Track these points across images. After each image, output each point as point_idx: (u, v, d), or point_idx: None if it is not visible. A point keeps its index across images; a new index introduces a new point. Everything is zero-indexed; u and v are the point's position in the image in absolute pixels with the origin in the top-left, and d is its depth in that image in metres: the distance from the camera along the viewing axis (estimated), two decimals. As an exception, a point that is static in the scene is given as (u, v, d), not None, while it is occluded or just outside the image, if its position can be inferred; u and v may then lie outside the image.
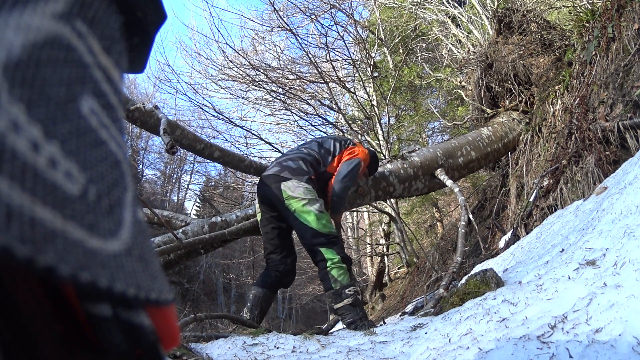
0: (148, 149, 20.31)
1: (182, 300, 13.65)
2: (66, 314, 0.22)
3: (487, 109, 4.39)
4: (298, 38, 5.86)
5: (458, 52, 6.51)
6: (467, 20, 6.21)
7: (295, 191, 1.97)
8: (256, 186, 2.32)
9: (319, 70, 5.55)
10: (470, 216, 3.01)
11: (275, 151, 6.31)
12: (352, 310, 1.86)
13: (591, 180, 2.42)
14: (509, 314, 1.05)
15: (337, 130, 6.60)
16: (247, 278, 15.37)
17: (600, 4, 3.12)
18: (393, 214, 5.95)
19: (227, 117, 6.67)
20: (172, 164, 20.17)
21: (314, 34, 7.40)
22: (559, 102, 3.40)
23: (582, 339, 0.78)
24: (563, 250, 1.38)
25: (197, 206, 17.55)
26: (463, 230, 2.51)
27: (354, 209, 7.72)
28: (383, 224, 7.62)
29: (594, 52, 2.85)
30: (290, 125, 7.89)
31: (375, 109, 6.24)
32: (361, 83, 6.50)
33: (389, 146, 6.00)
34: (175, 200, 20.47)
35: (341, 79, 6.32)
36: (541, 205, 2.84)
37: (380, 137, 5.96)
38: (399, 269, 7.64)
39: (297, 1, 6.82)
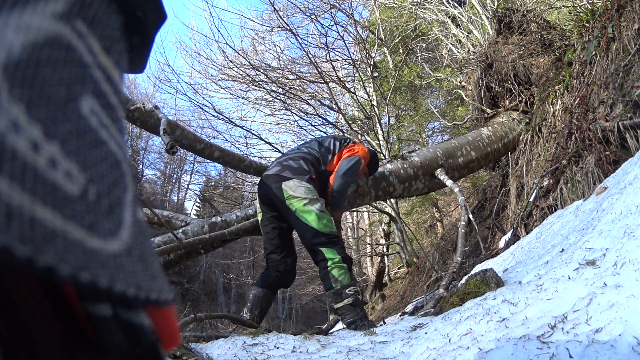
0: (148, 149, 20.32)
1: (182, 300, 13.65)
2: (66, 314, 0.22)
3: (487, 109, 4.39)
4: (298, 38, 5.86)
5: (458, 52, 6.51)
6: (467, 20, 6.21)
7: (296, 191, 1.97)
8: (256, 186, 2.32)
9: (319, 70, 5.55)
10: (470, 216, 3.01)
11: (275, 151, 6.32)
12: (352, 310, 1.86)
13: (591, 180, 2.42)
14: (509, 314, 1.05)
15: (337, 130, 6.60)
16: (247, 278, 15.37)
17: (600, 4, 3.12)
18: (393, 214, 5.95)
19: (227, 117, 6.67)
20: (172, 164, 20.18)
21: (314, 34, 7.41)
22: (559, 102, 3.40)
23: (582, 339, 0.78)
24: (563, 250, 1.38)
25: (197, 206, 17.56)
26: (463, 230, 2.51)
27: (354, 209, 7.72)
28: (383, 224, 7.62)
29: (594, 52, 2.85)
30: (290, 125, 7.90)
31: (375, 109, 6.24)
32: (361, 83, 6.50)
33: (389, 146, 6.00)
34: (175, 200, 20.48)
35: (341, 79, 6.32)
36: (541, 205, 2.84)
37: (380, 137, 5.96)
38: (399, 269, 7.64)
39: (297, 1, 6.83)
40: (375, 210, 6.79)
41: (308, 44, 6.91)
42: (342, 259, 1.91)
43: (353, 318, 1.85)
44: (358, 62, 6.96)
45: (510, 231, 3.10)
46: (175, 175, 20.98)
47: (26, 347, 0.20)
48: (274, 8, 5.57)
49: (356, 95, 6.44)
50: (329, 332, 2.07)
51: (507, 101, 4.28)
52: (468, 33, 6.36)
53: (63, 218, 0.18)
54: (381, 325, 1.82)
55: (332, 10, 6.37)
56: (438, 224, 8.24)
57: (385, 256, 7.32)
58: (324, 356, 1.22)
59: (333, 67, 5.87)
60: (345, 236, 10.36)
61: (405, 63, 7.02)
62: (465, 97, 5.74)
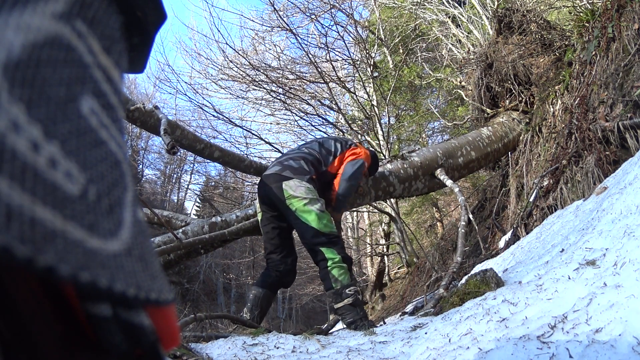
0: (148, 149, 20.33)
1: (182, 300, 13.65)
2: (66, 314, 0.22)
3: (487, 109, 4.39)
4: (298, 38, 5.86)
5: (458, 52, 6.51)
6: (467, 20, 6.21)
7: (296, 191, 1.97)
8: (256, 186, 2.32)
9: (319, 70, 5.55)
10: (470, 216, 3.01)
11: (275, 151, 6.32)
12: (352, 310, 1.86)
13: (591, 180, 2.42)
14: (509, 314, 1.05)
15: (337, 130, 6.60)
16: (247, 278, 15.37)
17: (600, 4, 3.12)
18: (393, 214, 5.95)
19: (227, 117, 6.68)
20: (172, 164, 20.19)
21: (314, 34, 7.41)
22: (559, 102, 3.40)
23: (582, 339, 0.78)
24: (563, 250, 1.38)
25: (197, 206, 17.56)
26: (463, 230, 2.51)
27: (354, 209, 7.72)
28: (383, 224, 7.62)
29: (594, 52, 2.85)
30: (290, 125, 7.90)
31: (375, 109, 6.24)
32: (361, 83, 6.50)
33: (389, 146, 6.00)
34: (175, 200, 20.48)
35: (341, 79, 6.32)
36: (541, 205, 2.84)
37: (380, 137, 5.96)
38: (399, 269, 7.64)
39: (297, 1, 6.83)
40: (375, 210, 6.79)
41: (308, 44, 6.92)
42: (342, 259, 1.92)
43: (353, 318, 1.85)
44: (358, 62, 6.96)
45: (510, 231, 3.10)
46: (175, 175, 21.00)
47: (26, 347, 0.20)
48: (274, 8, 5.57)
49: (356, 95, 6.44)
50: (329, 332, 2.07)
51: (507, 101, 4.28)
52: (468, 33, 6.36)
53: (63, 218, 0.18)
54: (381, 325, 1.82)
55: (332, 10, 6.37)
56: (438, 224, 8.24)
57: (385, 256, 7.32)
58: (324, 356, 1.22)
59: (333, 67, 5.87)
60: (345, 236, 10.36)
61: (405, 63, 7.02)
62: (465, 97, 5.74)
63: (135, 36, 0.30)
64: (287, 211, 1.99)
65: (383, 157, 5.11)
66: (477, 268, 2.37)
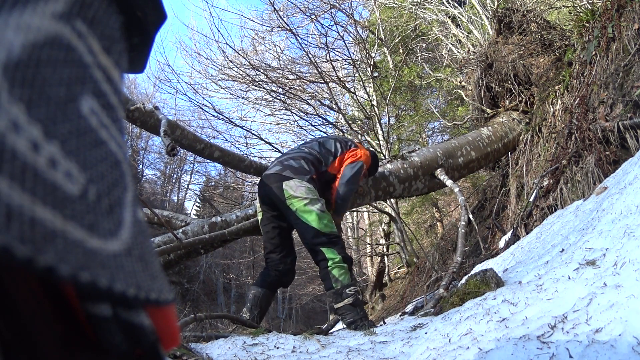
0: (148, 149, 20.33)
1: (182, 300, 13.66)
2: (66, 314, 0.22)
3: (487, 109, 4.39)
4: (298, 38, 5.86)
5: (458, 52, 6.51)
6: (467, 20, 6.21)
7: (297, 190, 1.97)
8: (256, 186, 2.32)
9: (319, 70, 5.55)
10: (470, 216, 3.01)
11: (275, 151, 6.32)
12: (352, 310, 1.86)
13: (591, 180, 2.42)
14: (509, 314, 1.05)
15: (337, 130, 6.60)
16: (247, 278, 15.37)
17: (600, 4, 3.12)
18: (393, 214, 5.95)
19: (227, 117, 6.68)
20: (172, 164, 20.19)
21: (314, 34, 7.41)
22: (559, 102, 3.40)
23: (582, 339, 0.78)
24: (563, 250, 1.38)
25: (197, 206, 17.56)
26: (463, 230, 2.51)
27: (354, 209, 7.72)
28: (383, 224, 7.62)
29: (594, 52, 2.85)
30: (290, 125, 7.90)
31: (375, 109, 6.24)
32: (361, 83, 6.50)
33: (389, 146, 6.00)
34: (175, 200, 20.48)
35: (341, 79, 6.32)
36: (541, 205, 2.84)
37: (380, 137, 5.96)
38: (399, 269, 7.64)
39: (297, 1, 6.83)
40: (375, 210, 6.79)
41: (308, 44, 6.92)
42: (342, 259, 1.92)
43: (353, 318, 1.85)
44: (358, 62, 6.96)
45: (510, 231, 3.10)
46: (175, 175, 21.00)
47: (26, 347, 0.20)
48: (274, 8, 5.57)
49: (356, 95, 6.44)
50: (329, 332, 2.07)
51: (507, 101, 4.28)
52: (468, 33, 6.36)
53: (63, 218, 0.18)
54: (381, 325, 1.82)
55: (332, 10, 6.37)
56: (438, 224, 8.24)
57: (385, 256, 7.32)
58: (324, 356, 1.22)
59: (333, 67, 5.87)
60: (345, 236, 10.36)
61: (405, 63, 7.02)
62: (465, 97, 5.74)
63: (135, 36, 0.30)
64: (288, 211, 1.99)
65: (383, 157, 5.11)
66: (477, 268, 2.37)
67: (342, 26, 6.59)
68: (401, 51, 7.43)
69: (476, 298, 1.33)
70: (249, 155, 6.22)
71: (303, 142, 2.80)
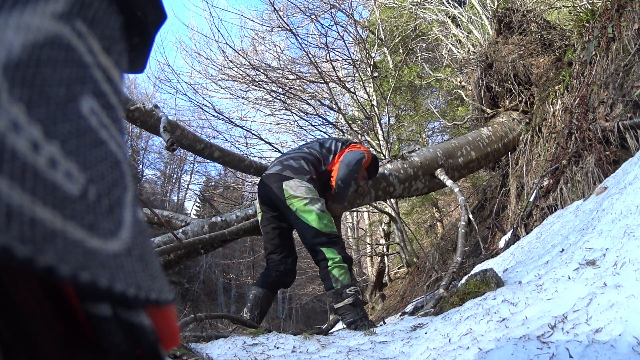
0: (148, 149, 20.34)
1: (182, 300, 13.66)
2: (66, 314, 0.22)
3: (487, 109, 4.39)
4: (298, 38, 5.86)
5: (458, 52, 6.51)
6: (467, 20, 6.21)
7: (297, 190, 1.97)
8: (256, 186, 2.32)
9: (319, 70, 5.55)
10: (470, 216, 3.01)
11: (275, 151, 6.32)
12: (352, 310, 1.86)
13: (591, 180, 2.42)
14: (509, 314, 1.05)
15: (337, 130, 6.60)
16: (247, 278, 15.37)
17: (600, 4, 3.11)
18: (393, 214, 5.95)
19: (227, 117, 6.68)
20: (172, 164, 20.20)
21: (314, 34, 7.41)
22: (559, 102, 3.40)
23: (582, 339, 0.78)
24: (563, 250, 1.38)
25: (197, 206, 17.56)
26: (463, 230, 2.51)
27: (354, 209, 7.72)
28: (383, 224, 7.62)
29: (594, 52, 2.85)
30: (290, 125, 7.90)
31: (375, 109, 6.24)
32: (361, 83, 6.50)
33: (389, 146, 6.00)
34: (175, 200, 20.48)
35: (341, 79, 6.32)
36: (541, 205, 2.84)
37: (380, 137, 5.96)
38: (399, 269, 7.64)
39: (297, 1, 6.83)
40: (375, 210, 6.79)
41: (308, 44, 6.92)
42: (342, 259, 1.91)
43: (353, 318, 1.85)
44: (358, 62, 6.96)
45: (510, 231, 3.10)
46: (175, 175, 21.01)
47: (26, 347, 0.20)
48: (274, 8, 5.57)
49: (356, 95, 6.44)
50: (329, 332, 2.07)
51: (507, 101, 4.28)
52: (468, 33, 6.36)
53: (63, 218, 0.18)
54: (381, 325, 1.82)
55: (332, 10, 6.37)
56: (438, 224, 8.24)
57: (385, 256, 7.32)
58: (324, 356, 1.22)
59: (333, 67, 5.87)
60: (345, 236, 10.36)
61: (405, 63, 7.02)
62: (465, 97, 5.74)
63: (135, 36, 0.30)
64: (288, 211, 1.99)
65: (383, 157, 5.11)
66: (477, 268, 2.37)
67: (342, 26, 6.60)
68: (401, 51, 7.43)
69: (476, 298, 1.33)
70: (249, 155, 6.22)
71: (304, 142, 2.79)
